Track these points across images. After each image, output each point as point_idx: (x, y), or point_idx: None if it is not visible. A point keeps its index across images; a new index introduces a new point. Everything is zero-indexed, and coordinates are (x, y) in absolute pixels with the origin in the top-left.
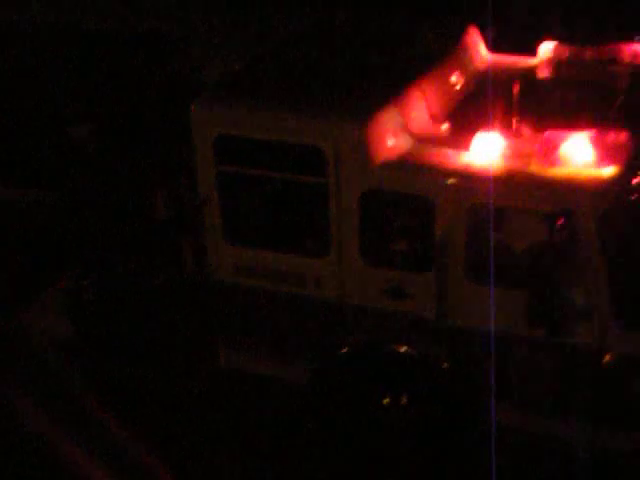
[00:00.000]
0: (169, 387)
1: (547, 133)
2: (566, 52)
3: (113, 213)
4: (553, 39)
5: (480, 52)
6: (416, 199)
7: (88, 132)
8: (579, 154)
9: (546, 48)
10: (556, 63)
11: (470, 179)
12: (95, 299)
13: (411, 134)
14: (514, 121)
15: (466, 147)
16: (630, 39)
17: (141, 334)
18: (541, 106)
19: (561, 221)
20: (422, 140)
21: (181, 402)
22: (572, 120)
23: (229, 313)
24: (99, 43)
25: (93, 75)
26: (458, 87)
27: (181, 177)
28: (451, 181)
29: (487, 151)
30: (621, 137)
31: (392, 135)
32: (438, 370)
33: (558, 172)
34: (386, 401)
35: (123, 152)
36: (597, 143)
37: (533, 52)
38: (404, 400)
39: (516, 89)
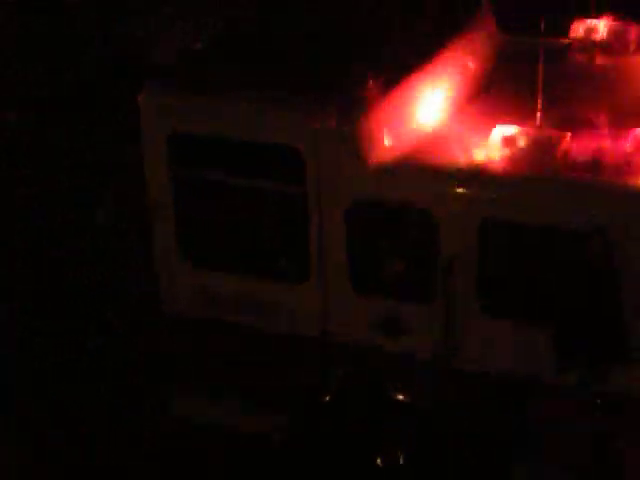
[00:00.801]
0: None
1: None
2: (604, 31)
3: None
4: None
5: (494, 33)
6: (416, 212)
7: (16, 119)
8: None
9: (580, 27)
10: (590, 45)
11: (483, 187)
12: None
13: (412, 131)
14: (539, 113)
15: (479, 146)
16: None
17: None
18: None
19: (597, 240)
20: (425, 138)
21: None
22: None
23: (184, 353)
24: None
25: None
26: (469, 73)
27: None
28: (460, 190)
29: (505, 151)
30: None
31: (388, 133)
32: (443, 423)
33: (590, 180)
34: (379, 461)
35: (58, 145)
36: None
37: (547, 32)
38: (401, 460)
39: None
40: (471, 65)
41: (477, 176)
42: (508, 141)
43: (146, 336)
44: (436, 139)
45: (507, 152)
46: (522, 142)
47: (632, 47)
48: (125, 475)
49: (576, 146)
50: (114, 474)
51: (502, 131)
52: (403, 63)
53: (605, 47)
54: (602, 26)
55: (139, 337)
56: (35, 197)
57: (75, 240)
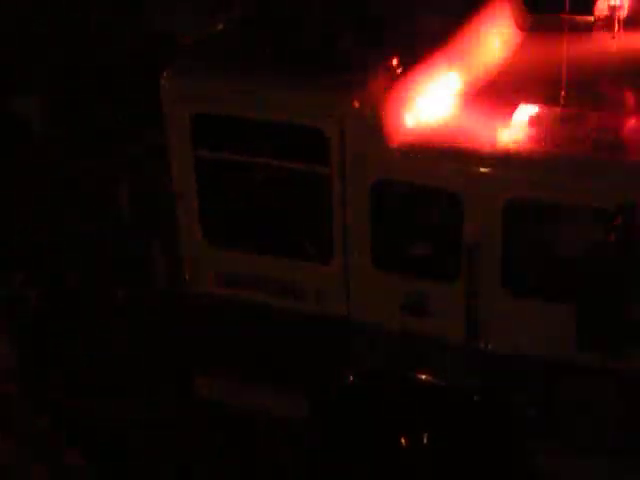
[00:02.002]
0: (134, 426)
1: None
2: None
3: (66, 210)
4: None
5: (518, 11)
6: (440, 192)
7: (35, 106)
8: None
9: (604, 5)
10: (615, 23)
11: (508, 167)
12: (45, 314)
13: (435, 111)
14: (563, 94)
15: (504, 126)
16: None
17: (102, 360)
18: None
19: (620, 219)
20: (449, 118)
21: (149, 444)
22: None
23: (208, 333)
24: None
25: (47, 29)
26: (493, 52)
27: (150, 166)
28: (484, 169)
29: (530, 131)
30: None
31: (411, 112)
32: (467, 403)
33: (616, 159)
34: (404, 442)
35: (78, 133)
36: None
37: (572, 10)
38: (425, 440)
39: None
40: (494, 43)
41: (501, 156)
42: (532, 120)
43: (169, 319)
44: (459, 119)
45: (531, 132)
46: (546, 121)
47: None
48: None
49: (601, 124)
50: (136, 456)
51: (526, 110)
52: (424, 42)
53: (630, 24)
54: (626, 3)
55: (162, 319)
56: (52, 185)
57: (94, 229)
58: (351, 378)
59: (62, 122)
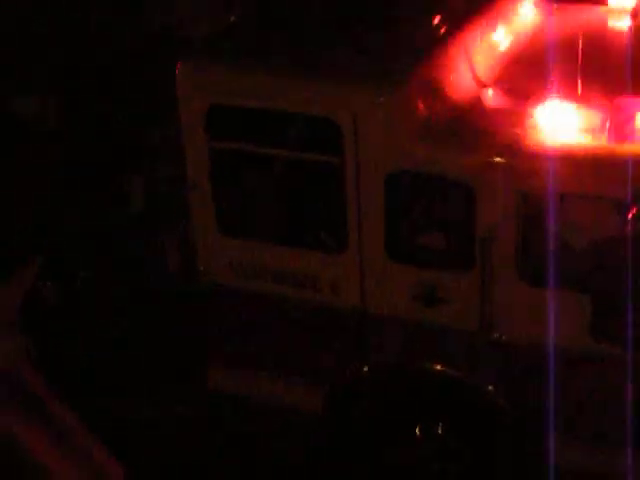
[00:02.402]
0: (150, 417)
1: (619, 100)
2: None
3: (77, 203)
4: None
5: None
6: (454, 182)
7: (39, 106)
8: None
9: None
10: (633, 11)
11: (522, 157)
12: (60, 305)
13: (449, 102)
14: (579, 86)
15: (518, 117)
16: None
17: (117, 351)
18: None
19: (636, 210)
20: (463, 109)
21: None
22: None
23: (223, 324)
24: None
25: (47, 29)
26: (508, 43)
27: (163, 158)
28: (498, 160)
29: (544, 122)
30: None
31: (425, 103)
32: (481, 394)
33: (633, 149)
34: (418, 432)
35: (87, 129)
36: None
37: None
38: (439, 431)
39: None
40: (512, 32)
41: (516, 146)
42: (550, 110)
43: (179, 312)
44: (475, 109)
45: (549, 121)
46: (565, 111)
47: None
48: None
49: (621, 115)
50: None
51: (544, 100)
52: (439, 31)
53: None
54: None
55: (170, 313)
56: (64, 180)
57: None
58: (365, 369)
59: (63, 122)
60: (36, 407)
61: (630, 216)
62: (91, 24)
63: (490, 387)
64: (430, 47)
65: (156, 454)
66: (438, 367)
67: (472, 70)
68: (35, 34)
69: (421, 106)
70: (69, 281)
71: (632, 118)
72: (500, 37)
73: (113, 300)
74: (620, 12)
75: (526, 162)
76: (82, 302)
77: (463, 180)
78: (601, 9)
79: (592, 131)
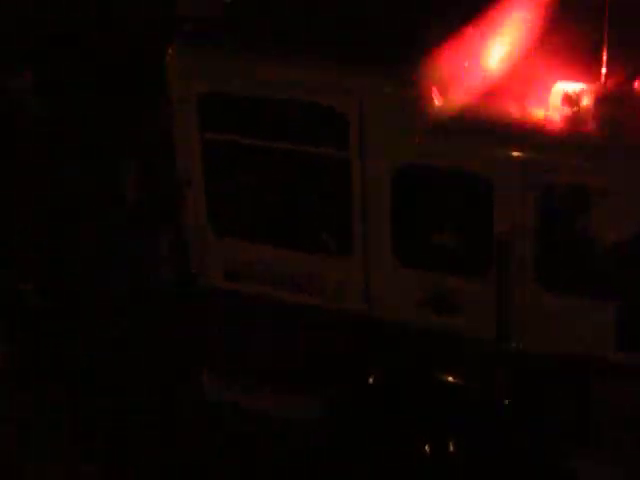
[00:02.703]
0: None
1: None
2: None
3: (66, 195)
4: None
5: None
6: (470, 177)
7: (31, 84)
8: None
9: None
10: None
11: (542, 150)
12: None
13: (464, 90)
14: (604, 67)
15: (540, 105)
16: None
17: (104, 357)
18: None
19: None
20: (479, 97)
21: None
22: None
23: (217, 330)
24: None
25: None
26: (528, 25)
27: (157, 148)
28: (516, 153)
29: (568, 111)
30: None
31: (438, 91)
32: (497, 408)
33: None
34: (427, 449)
35: (79, 113)
36: None
37: None
38: (451, 448)
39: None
40: (530, 16)
41: (536, 138)
42: (570, 99)
43: (177, 314)
44: (491, 98)
45: (568, 111)
46: (585, 100)
47: None
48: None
49: None
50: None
51: (563, 88)
52: (453, 16)
53: None
54: None
55: (169, 314)
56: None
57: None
58: (371, 379)
59: (59, 104)
60: None
61: None
62: (91, 9)
63: (506, 401)
64: (444, 33)
65: (156, 454)
66: (449, 379)
67: (490, 57)
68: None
69: (434, 94)
70: (55, 280)
71: None
72: (517, 24)
73: (111, 300)
74: None
75: (548, 154)
76: (72, 302)
77: (480, 174)
78: None
79: (617, 122)
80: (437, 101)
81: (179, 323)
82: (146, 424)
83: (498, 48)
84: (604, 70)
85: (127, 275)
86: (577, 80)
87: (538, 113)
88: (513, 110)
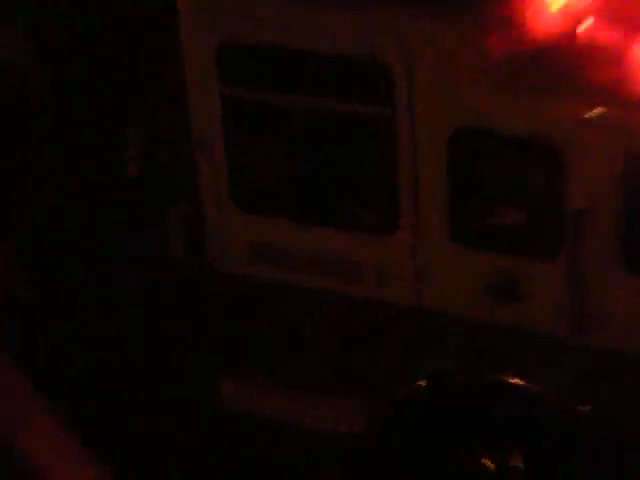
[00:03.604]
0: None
1: None
2: None
3: (59, 166)
4: None
5: None
6: (539, 144)
7: (15, 36)
8: None
9: None
10: None
11: (624, 114)
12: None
13: (532, 41)
14: None
15: (616, 63)
16: None
17: (106, 357)
18: None
19: None
20: (549, 51)
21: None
22: None
23: (238, 324)
24: None
25: None
26: None
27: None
28: (597, 113)
29: None
30: None
31: (501, 40)
32: (572, 415)
33: None
34: (488, 462)
35: (72, 70)
36: None
37: None
38: (517, 461)
39: None
40: None
41: (617, 98)
42: None
43: (191, 306)
44: (562, 53)
45: None
46: None
47: None
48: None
49: None
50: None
51: None
52: None
53: None
54: None
55: (181, 306)
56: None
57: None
58: (421, 381)
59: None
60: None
61: None
62: None
63: (583, 407)
64: None
65: (156, 454)
66: (515, 381)
67: (555, 5)
68: None
69: (495, 44)
70: (50, 272)
71: None
72: None
73: (110, 300)
74: None
75: (630, 120)
76: (68, 297)
77: (550, 140)
78: None
79: None
80: (499, 52)
81: (185, 319)
82: (146, 425)
83: None
84: None
85: (127, 274)
86: None
87: (616, 73)
88: (589, 66)
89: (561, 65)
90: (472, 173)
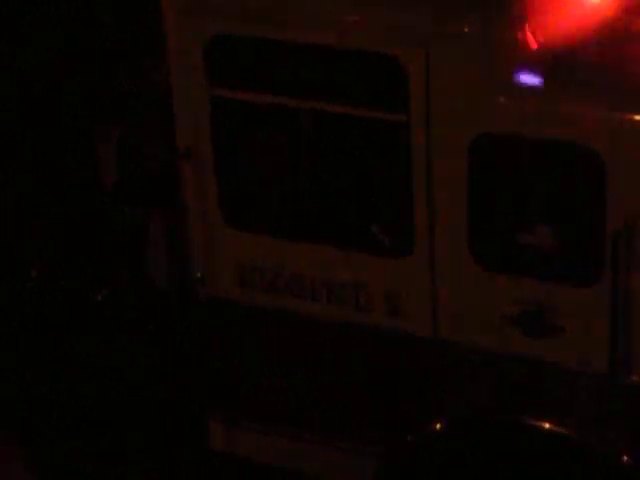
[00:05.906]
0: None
1: None
2: None
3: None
4: None
5: None
6: (574, 152)
7: None
8: None
9: None
10: None
11: None
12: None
13: (566, 36)
14: None
15: None
16: None
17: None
18: None
19: None
20: (585, 46)
21: None
22: None
23: (227, 357)
24: None
25: None
26: None
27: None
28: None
29: None
30: None
31: (532, 38)
32: (613, 467)
33: None
34: None
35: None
36: None
37: None
38: None
39: None
40: None
41: None
42: None
43: (175, 335)
44: (602, 48)
45: None
46: None
47: None
48: None
49: None
50: None
51: None
52: None
53: None
54: None
55: (165, 335)
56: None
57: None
58: (439, 425)
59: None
60: None
61: None
62: None
63: (625, 457)
64: None
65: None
66: (545, 425)
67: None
68: None
69: (525, 40)
70: (20, 279)
71: None
72: None
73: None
74: None
75: None
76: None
77: (590, 148)
78: None
79: None
80: (529, 49)
81: (169, 350)
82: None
83: None
84: None
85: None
86: None
87: None
88: (631, 62)
89: (599, 68)
90: (497, 186)
